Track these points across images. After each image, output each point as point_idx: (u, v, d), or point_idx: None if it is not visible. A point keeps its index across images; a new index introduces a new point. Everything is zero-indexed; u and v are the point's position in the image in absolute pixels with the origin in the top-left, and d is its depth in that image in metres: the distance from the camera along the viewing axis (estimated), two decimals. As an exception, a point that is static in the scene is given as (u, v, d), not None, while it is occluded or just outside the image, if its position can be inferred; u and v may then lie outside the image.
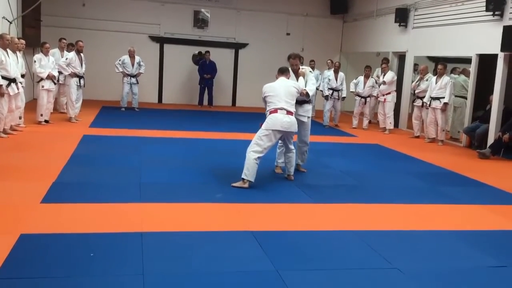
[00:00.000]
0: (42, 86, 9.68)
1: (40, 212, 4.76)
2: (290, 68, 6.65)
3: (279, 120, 6.03)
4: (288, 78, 6.45)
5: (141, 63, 12.73)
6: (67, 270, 3.56)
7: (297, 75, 6.72)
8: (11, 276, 3.41)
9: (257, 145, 6.06)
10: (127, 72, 12.53)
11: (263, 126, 6.11)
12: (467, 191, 6.65)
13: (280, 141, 6.52)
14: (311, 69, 7.24)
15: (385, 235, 4.74)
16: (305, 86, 6.62)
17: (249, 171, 5.96)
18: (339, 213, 5.37)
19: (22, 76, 8.90)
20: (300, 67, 6.84)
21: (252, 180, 5.98)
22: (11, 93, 8.22)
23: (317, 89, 12.78)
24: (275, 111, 6.08)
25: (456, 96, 10.80)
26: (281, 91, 6.15)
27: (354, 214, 5.36)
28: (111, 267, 3.64)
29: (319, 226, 4.89)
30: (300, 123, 6.55)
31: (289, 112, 6.12)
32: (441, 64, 10.29)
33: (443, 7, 10.85)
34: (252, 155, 6.00)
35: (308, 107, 6.84)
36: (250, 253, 4.06)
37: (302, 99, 6.61)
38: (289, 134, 6.27)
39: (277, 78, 6.43)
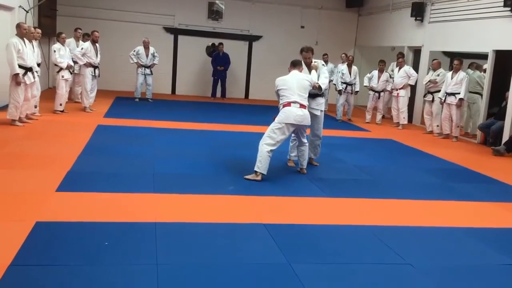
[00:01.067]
0: (62, 76, 9.76)
1: (55, 200, 4.82)
2: (302, 62, 6.64)
3: (293, 113, 6.03)
4: (301, 71, 6.44)
5: (155, 54, 12.76)
6: (82, 258, 3.61)
7: (309, 68, 6.70)
8: (26, 263, 3.46)
9: (270, 138, 6.06)
10: (141, 63, 12.58)
11: (276, 119, 6.11)
12: (480, 188, 6.60)
13: (293, 135, 6.52)
14: (323, 63, 7.20)
15: (398, 230, 4.73)
16: (318, 80, 6.61)
17: (261, 163, 5.97)
18: (351, 207, 5.36)
19: (38, 65, 8.97)
20: (313, 60, 6.82)
21: (265, 172, 5.99)
22: (27, 82, 8.30)
23: (330, 82, 12.81)
24: (288, 104, 6.08)
25: (470, 92, 10.70)
26: (294, 85, 6.15)
27: (367, 209, 5.35)
28: (125, 257, 3.68)
29: (332, 220, 4.89)
30: (313, 116, 6.53)
31: (302, 106, 6.11)
32: (457, 60, 10.18)
33: (460, 2, 10.73)
34: (265, 147, 6.01)
35: (321, 101, 6.83)
36: (263, 246, 4.08)
37: (315, 93, 6.59)
38: (302, 127, 6.27)
39: (289, 71, 6.42)
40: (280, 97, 6.24)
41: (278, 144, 6.12)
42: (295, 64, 6.44)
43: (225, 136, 8.99)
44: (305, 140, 6.44)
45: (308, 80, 6.32)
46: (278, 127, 6.07)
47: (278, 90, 6.26)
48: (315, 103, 6.68)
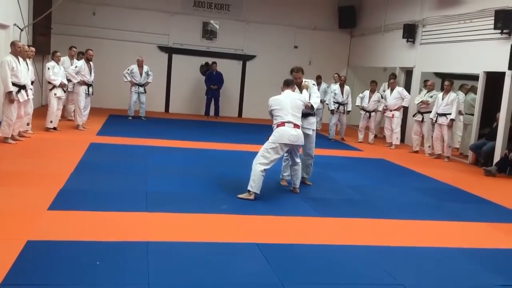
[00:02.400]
0: (55, 94, 9.76)
1: (47, 218, 4.79)
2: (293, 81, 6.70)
3: (287, 133, 6.06)
4: (294, 91, 6.50)
5: (149, 72, 12.82)
6: (73, 278, 3.58)
7: (300, 88, 6.76)
8: (17, 282, 3.43)
9: (264, 157, 6.08)
10: (135, 82, 12.62)
11: (270, 139, 6.13)
12: (472, 208, 6.64)
13: (286, 154, 6.54)
14: (314, 82, 7.26)
15: (390, 250, 4.73)
16: (309, 99, 6.67)
17: (255, 183, 5.97)
18: (344, 227, 5.37)
19: (32, 83, 8.98)
20: (303, 80, 6.88)
21: (258, 192, 6.00)
22: (20, 100, 8.30)
23: (322, 101, 12.97)
24: (282, 124, 6.11)
25: (466, 113, 10.81)
26: (287, 104, 6.19)
27: (359, 228, 5.35)
28: (117, 276, 3.65)
29: (325, 240, 4.89)
30: (305, 136, 6.56)
31: (296, 125, 6.15)
32: (448, 81, 10.31)
33: (452, 24, 10.90)
34: (259, 167, 6.02)
35: (313, 120, 6.88)
36: (255, 266, 4.06)
37: (307, 112, 6.64)
38: (295, 147, 6.29)
39: (282, 90, 6.47)
40: (274, 117, 6.27)
41: (272, 163, 6.13)
42: (288, 84, 6.49)
43: (219, 155, 8.99)
44: (298, 160, 6.46)
45: (302, 99, 6.37)
46: (272, 147, 6.09)
47: (272, 110, 6.29)
48: (307, 123, 6.73)
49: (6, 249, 3.94)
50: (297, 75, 6.79)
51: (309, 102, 6.59)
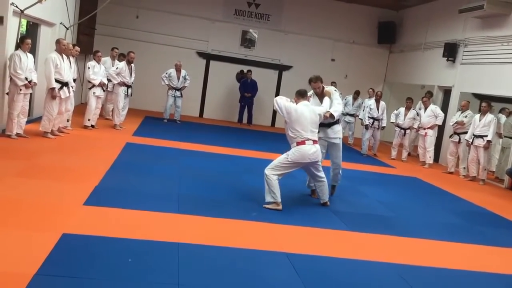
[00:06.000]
0: (94, 93, 10.01)
1: (82, 213, 4.91)
2: (313, 91, 6.55)
3: (307, 152, 5.96)
4: (309, 101, 6.32)
5: (187, 76, 13.01)
6: (105, 272, 3.66)
7: (321, 97, 6.54)
8: (51, 273, 3.53)
9: (279, 169, 6.02)
10: (172, 86, 12.83)
11: (290, 158, 6.00)
12: (507, 233, 6.48)
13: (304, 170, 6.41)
14: (335, 88, 6.90)
15: (420, 270, 4.66)
16: (331, 106, 6.40)
17: (275, 192, 5.94)
18: (374, 243, 5.32)
19: (74, 80, 9.23)
20: (325, 87, 6.61)
21: (280, 200, 5.97)
22: (62, 96, 8.54)
23: (355, 116, 12.95)
24: (302, 142, 5.99)
25: (505, 136, 10.58)
26: (307, 120, 6.00)
27: (389, 245, 5.30)
28: (148, 274, 3.72)
29: (354, 254, 4.85)
30: (331, 145, 6.44)
31: (314, 142, 6.04)
32: (485, 102, 10.12)
33: (494, 46, 10.72)
34: (274, 177, 5.97)
35: (338, 128, 6.65)
36: (284, 275, 4.07)
37: (330, 121, 6.44)
38: (315, 163, 6.18)
39: (296, 101, 6.22)
40: (292, 131, 6.05)
41: (285, 174, 6.12)
42: (302, 95, 6.22)
43: (250, 162, 9.03)
44: (322, 175, 6.28)
45: (319, 113, 6.18)
46: (289, 164, 6.03)
47: (290, 119, 6.01)
48: (332, 132, 6.57)
49: (42, 240, 4.05)
50: (315, 85, 6.52)
51: (328, 112, 6.30)
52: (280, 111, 6.11)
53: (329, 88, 6.67)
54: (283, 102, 6.12)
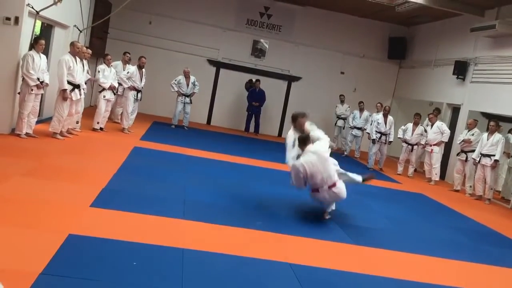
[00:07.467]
0: (104, 96, 10.09)
1: (88, 215, 4.94)
2: (295, 128, 6.56)
3: (321, 196, 6.11)
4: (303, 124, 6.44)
5: (196, 83, 13.07)
6: (109, 275, 3.68)
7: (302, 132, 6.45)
8: (56, 273, 3.55)
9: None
10: (182, 92, 12.91)
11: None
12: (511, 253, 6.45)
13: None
14: (311, 122, 6.66)
15: (424, 287, 4.64)
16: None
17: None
18: (378, 257, 5.31)
19: (85, 83, 9.30)
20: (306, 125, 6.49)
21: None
22: (73, 98, 8.61)
23: (362, 129, 12.95)
24: (316, 190, 6.09)
25: (512, 156, 10.58)
26: (323, 175, 5.94)
27: (393, 261, 5.29)
28: (151, 279, 3.73)
29: (358, 268, 4.84)
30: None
31: (331, 186, 6.04)
32: (493, 121, 10.10)
33: (504, 65, 10.71)
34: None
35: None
36: (287, 285, 4.08)
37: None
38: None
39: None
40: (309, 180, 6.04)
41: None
42: (305, 142, 6.12)
43: (256, 171, 9.06)
44: (332, 207, 6.46)
45: (334, 163, 6.32)
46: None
47: (306, 174, 5.94)
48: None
49: (48, 240, 4.08)
50: (302, 120, 6.49)
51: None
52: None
53: (309, 128, 6.47)
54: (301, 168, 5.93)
